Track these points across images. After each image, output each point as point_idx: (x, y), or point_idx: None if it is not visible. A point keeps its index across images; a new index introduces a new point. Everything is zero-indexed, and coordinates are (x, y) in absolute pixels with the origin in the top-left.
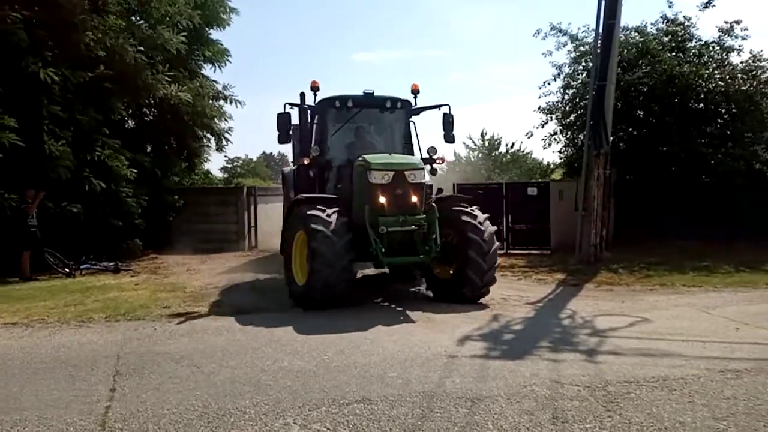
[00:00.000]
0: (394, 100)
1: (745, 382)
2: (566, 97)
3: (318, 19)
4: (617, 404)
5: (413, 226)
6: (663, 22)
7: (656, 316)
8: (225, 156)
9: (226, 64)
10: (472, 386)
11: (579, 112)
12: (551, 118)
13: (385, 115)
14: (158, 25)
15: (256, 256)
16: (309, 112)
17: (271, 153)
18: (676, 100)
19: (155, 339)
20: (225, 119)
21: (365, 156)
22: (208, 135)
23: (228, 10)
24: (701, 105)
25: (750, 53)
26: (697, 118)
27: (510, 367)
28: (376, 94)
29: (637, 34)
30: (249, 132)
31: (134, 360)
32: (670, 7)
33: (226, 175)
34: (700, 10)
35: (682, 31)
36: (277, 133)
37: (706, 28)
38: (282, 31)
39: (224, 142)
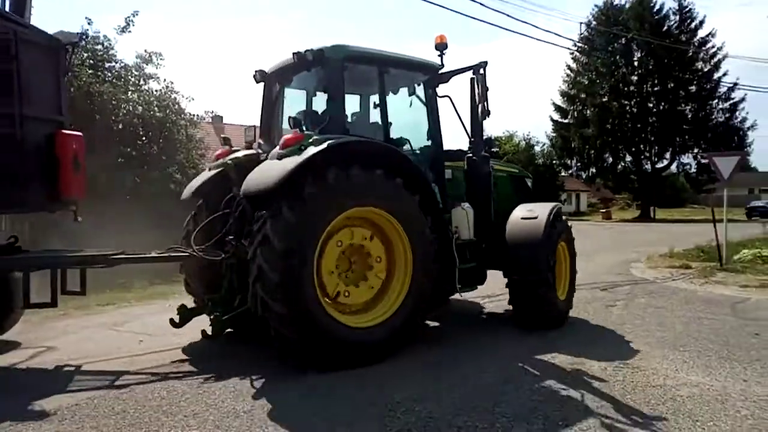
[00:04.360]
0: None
1: (138, 394)
2: None
3: None
4: None
5: None
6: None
7: (64, 342)
8: None
9: None
10: None
11: None
12: None
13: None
14: None
15: None
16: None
17: None
18: (97, 117)
19: None
20: None
21: None
22: None
23: None
24: (121, 125)
25: (164, 82)
26: (119, 138)
27: None
28: None
29: None
30: None
31: None
32: (90, 24)
33: None
34: (118, 33)
35: (103, 51)
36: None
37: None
38: None
39: None
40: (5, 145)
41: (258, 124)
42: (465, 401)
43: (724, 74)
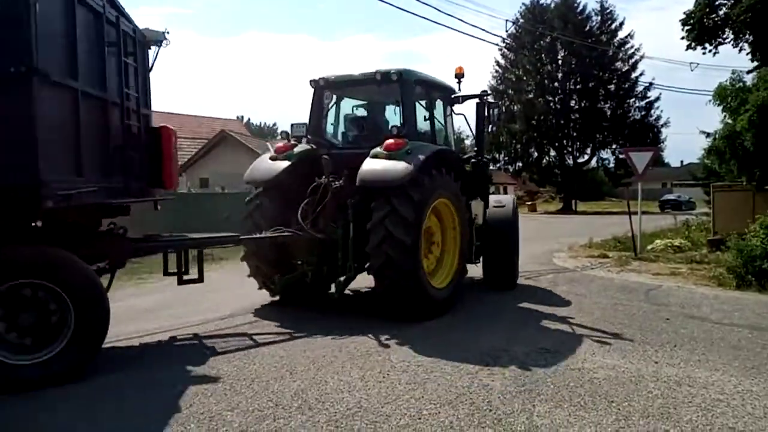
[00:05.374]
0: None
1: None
2: None
3: None
4: None
5: None
6: None
7: None
8: None
9: None
10: None
11: None
12: None
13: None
14: None
15: None
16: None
17: None
18: None
19: None
20: None
21: None
22: None
23: None
24: None
25: None
26: None
27: None
28: None
29: None
30: None
31: None
32: None
33: None
34: None
35: None
36: None
37: None
38: None
39: None
40: (129, 138)
41: (299, 122)
42: (392, 390)
43: (641, 74)
